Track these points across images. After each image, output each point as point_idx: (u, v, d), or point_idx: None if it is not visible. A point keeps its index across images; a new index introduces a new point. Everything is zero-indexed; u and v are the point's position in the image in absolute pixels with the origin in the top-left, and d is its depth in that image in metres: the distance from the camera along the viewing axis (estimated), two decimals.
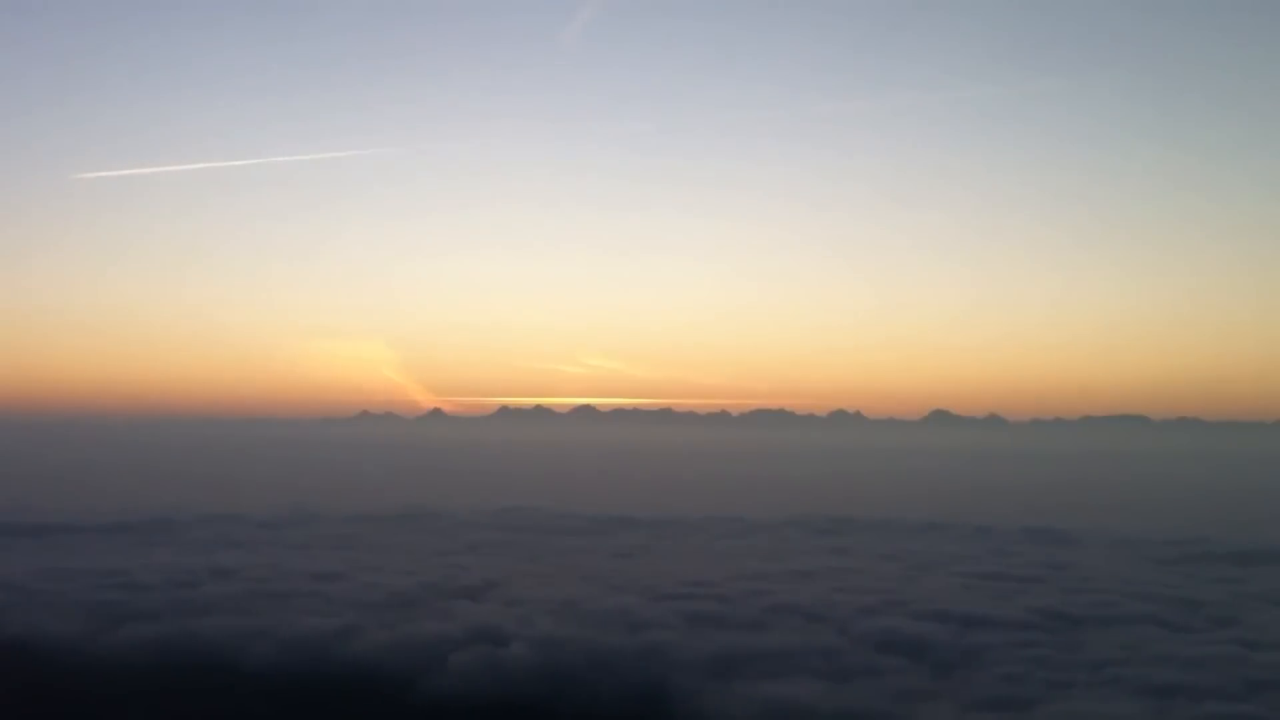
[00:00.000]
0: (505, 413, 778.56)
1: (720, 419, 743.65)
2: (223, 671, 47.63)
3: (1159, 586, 66.93)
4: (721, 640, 51.02)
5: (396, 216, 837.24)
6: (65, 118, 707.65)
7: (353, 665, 48.33)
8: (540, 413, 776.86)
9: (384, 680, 46.76)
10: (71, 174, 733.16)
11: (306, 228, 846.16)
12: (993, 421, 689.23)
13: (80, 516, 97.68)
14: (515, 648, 49.20)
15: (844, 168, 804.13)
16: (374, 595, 60.69)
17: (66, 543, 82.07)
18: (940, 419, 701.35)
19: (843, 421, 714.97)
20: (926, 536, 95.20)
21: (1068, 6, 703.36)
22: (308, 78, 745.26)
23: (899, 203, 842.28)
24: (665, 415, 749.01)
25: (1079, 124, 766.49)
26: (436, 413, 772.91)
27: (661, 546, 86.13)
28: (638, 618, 54.63)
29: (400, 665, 47.76)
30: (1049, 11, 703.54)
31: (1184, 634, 53.26)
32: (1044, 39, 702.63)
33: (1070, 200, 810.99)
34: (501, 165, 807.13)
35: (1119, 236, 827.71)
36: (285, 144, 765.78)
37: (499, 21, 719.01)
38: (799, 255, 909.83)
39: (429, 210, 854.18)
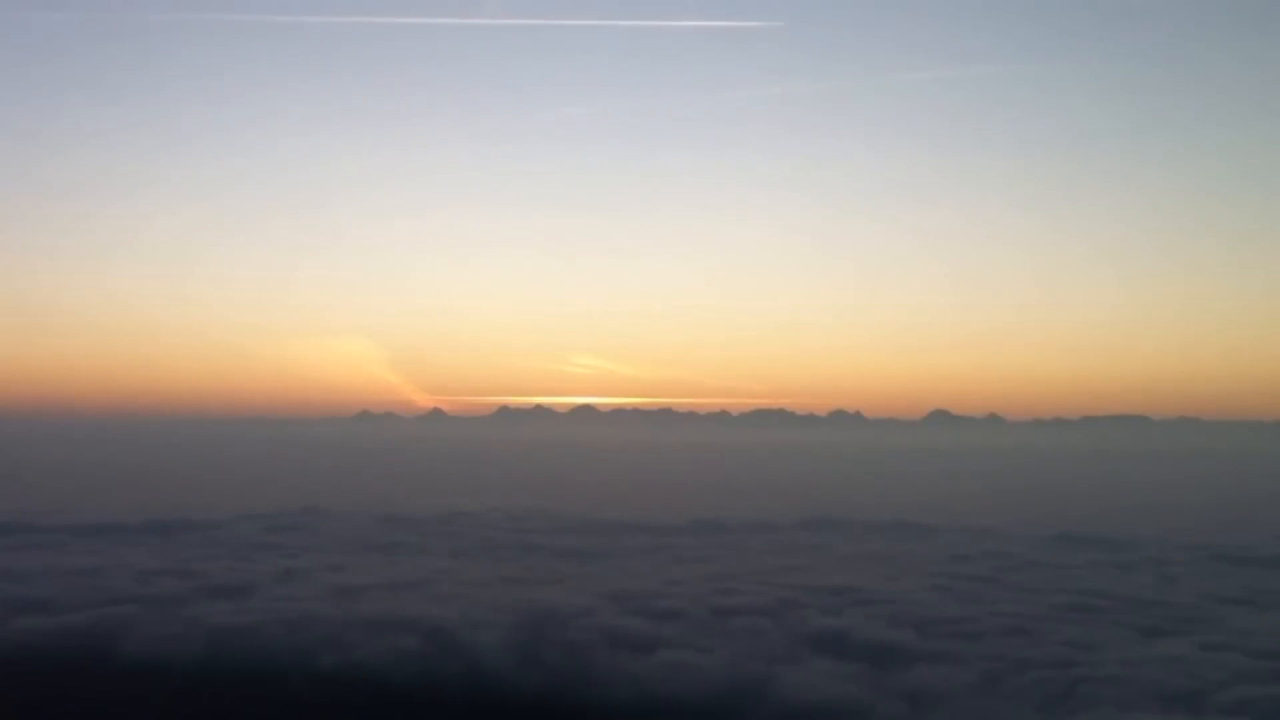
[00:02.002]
0: (505, 412, 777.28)
1: (720, 419, 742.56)
2: (100, 663, 48.93)
3: (1140, 589, 66.40)
4: (654, 634, 51.65)
5: (397, 216, 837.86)
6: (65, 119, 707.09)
7: (238, 656, 49.76)
8: (540, 412, 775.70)
9: (256, 670, 48.15)
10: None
11: (306, 226, 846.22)
12: (993, 421, 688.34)
13: (73, 518, 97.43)
14: (408, 639, 50.53)
15: (845, 166, 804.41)
16: (316, 592, 61.89)
17: (51, 543, 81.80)
18: (940, 419, 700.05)
19: (843, 421, 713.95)
20: (917, 537, 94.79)
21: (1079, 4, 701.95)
22: (309, 76, 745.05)
23: (899, 202, 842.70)
24: (665, 415, 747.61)
25: (1080, 124, 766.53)
26: (437, 412, 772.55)
27: (649, 549, 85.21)
28: (577, 615, 54.96)
29: (281, 656, 49.35)
30: (1059, 9, 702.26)
31: (1147, 636, 52.46)
32: (1051, 38, 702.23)
33: (1071, 200, 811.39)
34: (502, 165, 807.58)
35: (1120, 236, 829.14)
36: (288, 143, 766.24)
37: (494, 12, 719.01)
38: (799, 255, 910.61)
39: (430, 210, 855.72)
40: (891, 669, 46.45)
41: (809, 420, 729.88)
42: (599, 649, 49.37)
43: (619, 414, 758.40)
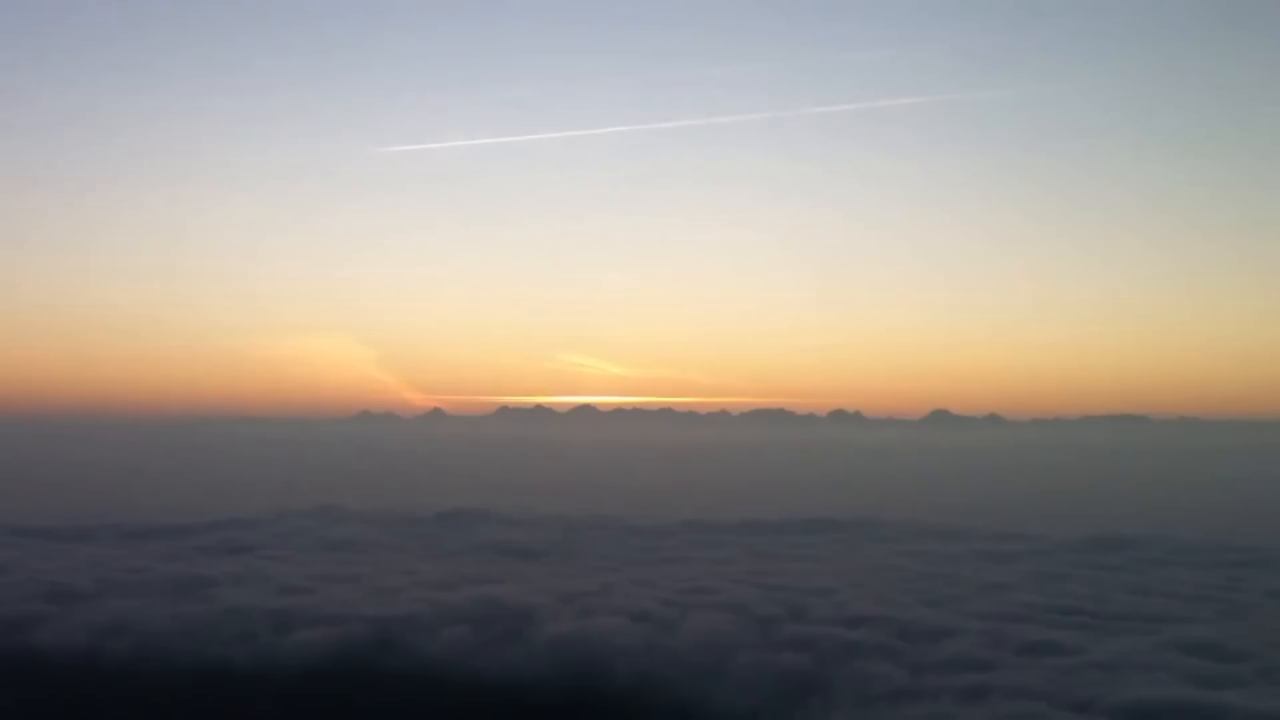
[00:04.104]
0: (505, 412, 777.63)
1: (720, 419, 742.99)
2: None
3: (1127, 589, 65.77)
4: (589, 630, 52.29)
5: (397, 215, 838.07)
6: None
7: (144, 647, 51.65)
8: (540, 412, 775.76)
9: (156, 661, 50.29)
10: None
11: (305, 225, 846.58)
12: (993, 421, 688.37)
13: (68, 519, 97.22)
14: (315, 633, 52.10)
15: (843, 167, 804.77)
16: (264, 590, 62.73)
17: (36, 544, 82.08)
18: (940, 419, 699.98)
19: (843, 421, 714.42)
20: (912, 537, 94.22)
21: (1059, 6, 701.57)
22: (313, 75, 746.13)
23: (898, 202, 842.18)
24: (665, 415, 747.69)
25: (1077, 122, 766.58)
26: (437, 412, 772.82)
27: (637, 549, 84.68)
28: (517, 613, 55.35)
29: (191, 647, 51.42)
30: (1040, 11, 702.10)
31: (1111, 636, 51.86)
32: (1039, 38, 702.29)
33: (1070, 199, 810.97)
34: (503, 164, 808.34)
35: (1119, 236, 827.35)
36: (292, 141, 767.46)
37: (502, 11, 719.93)
38: (799, 255, 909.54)
39: (430, 208, 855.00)
40: (828, 665, 46.79)
41: (809, 420, 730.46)
42: (516, 644, 50.42)
43: (619, 414, 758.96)
